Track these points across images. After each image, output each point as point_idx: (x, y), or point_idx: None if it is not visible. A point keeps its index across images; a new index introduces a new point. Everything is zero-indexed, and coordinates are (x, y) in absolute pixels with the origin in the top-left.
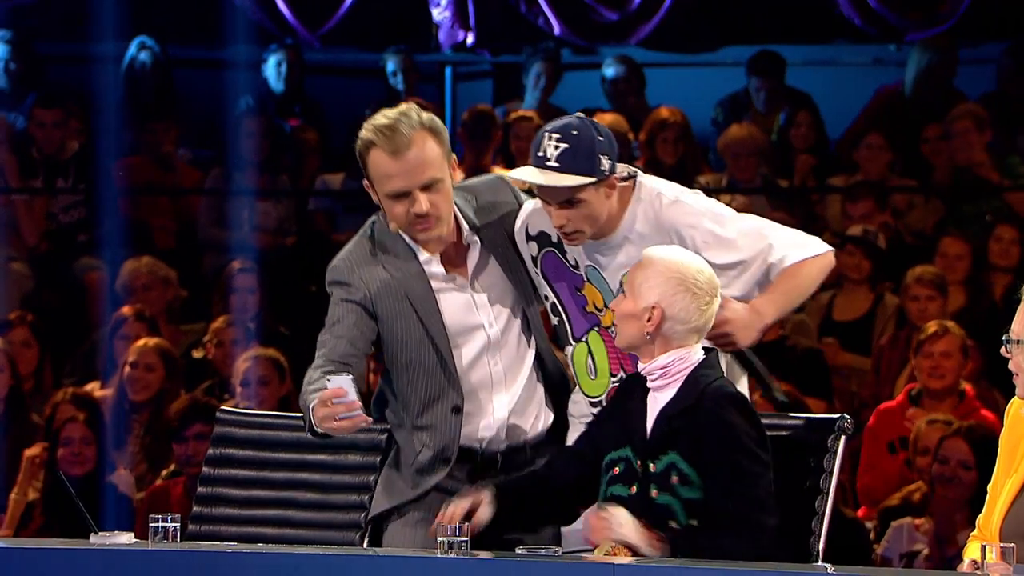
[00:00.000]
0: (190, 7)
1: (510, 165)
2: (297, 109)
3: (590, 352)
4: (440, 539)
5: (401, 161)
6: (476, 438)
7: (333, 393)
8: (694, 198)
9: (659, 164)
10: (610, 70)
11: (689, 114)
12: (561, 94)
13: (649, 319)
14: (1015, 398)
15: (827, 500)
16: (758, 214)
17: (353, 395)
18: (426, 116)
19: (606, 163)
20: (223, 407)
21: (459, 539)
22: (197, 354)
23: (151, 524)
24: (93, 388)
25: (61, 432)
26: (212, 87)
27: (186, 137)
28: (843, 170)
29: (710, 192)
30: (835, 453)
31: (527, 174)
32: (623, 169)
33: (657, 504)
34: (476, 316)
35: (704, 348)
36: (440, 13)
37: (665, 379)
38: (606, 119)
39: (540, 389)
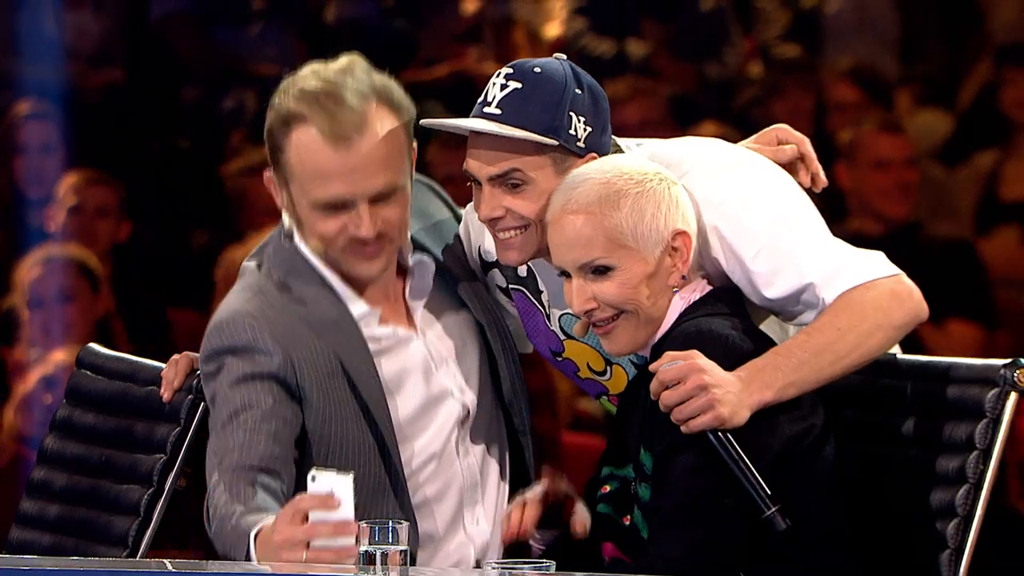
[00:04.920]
0: None
1: None
2: None
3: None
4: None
5: (346, 153)
6: None
7: (316, 502)
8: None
9: None
10: None
11: None
12: None
13: (673, 259)
14: None
15: (980, 493)
16: None
17: (350, 506)
18: (378, 79)
19: (580, 128)
20: (90, 344)
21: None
22: None
23: None
24: None
25: None
26: None
27: None
28: None
29: None
30: (998, 420)
31: (445, 122)
32: (615, 143)
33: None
34: (438, 378)
35: (722, 286)
36: None
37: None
38: None
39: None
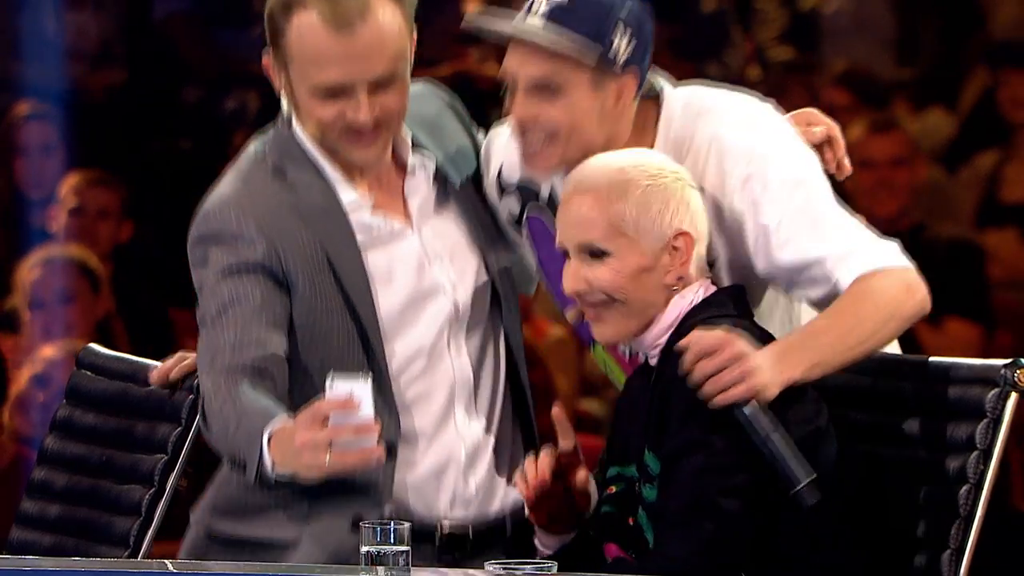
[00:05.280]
0: None
1: None
2: None
3: (606, 364)
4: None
5: (347, 39)
6: (424, 491)
7: (336, 404)
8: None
9: None
10: None
11: None
12: None
13: (672, 260)
14: None
15: (981, 493)
16: None
17: (370, 408)
18: None
19: (623, 42)
20: (90, 344)
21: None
22: None
23: None
24: None
25: None
26: None
27: None
28: None
29: None
30: (998, 421)
31: (487, 25)
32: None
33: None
34: (431, 273)
35: (728, 286)
36: None
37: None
38: None
39: (510, 407)
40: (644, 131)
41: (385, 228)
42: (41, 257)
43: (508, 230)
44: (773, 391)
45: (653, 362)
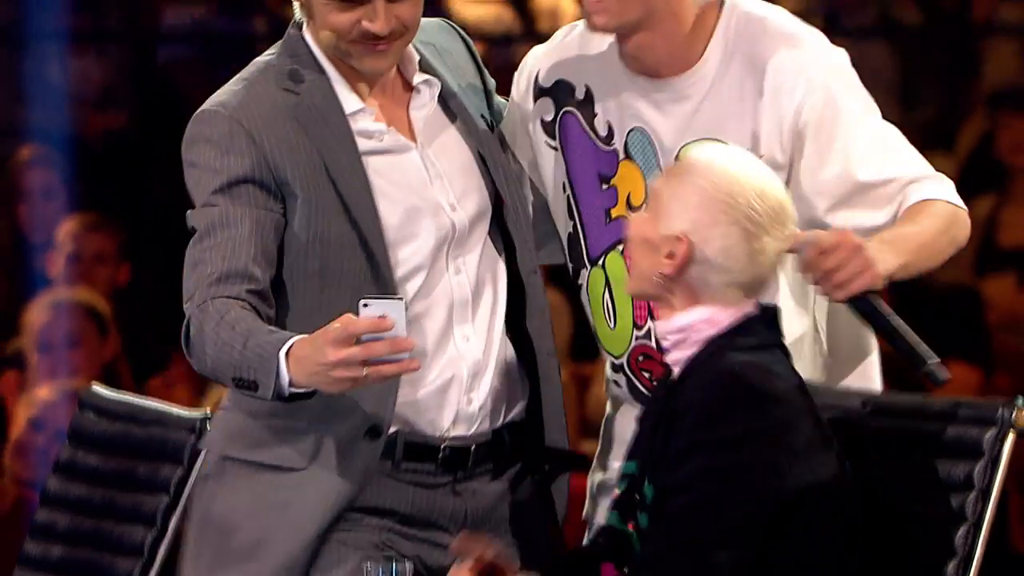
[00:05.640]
0: None
1: None
2: None
3: (607, 284)
4: None
5: None
6: (427, 408)
7: (371, 325)
8: (821, 44)
9: None
10: None
11: None
12: None
13: (670, 255)
14: None
15: (980, 533)
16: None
17: (403, 329)
18: None
19: None
20: (94, 384)
21: None
22: None
23: None
24: None
25: None
26: None
27: None
28: None
29: None
30: (996, 460)
31: None
32: None
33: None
34: (431, 191)
35: (763, 305)
36: None
37: (682, 351)
38: None
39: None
40: (706, 22)
41: (388, 140)
42: (48, 300)
43: (538, 139)
44: (884, 281)
45: (667, 356)
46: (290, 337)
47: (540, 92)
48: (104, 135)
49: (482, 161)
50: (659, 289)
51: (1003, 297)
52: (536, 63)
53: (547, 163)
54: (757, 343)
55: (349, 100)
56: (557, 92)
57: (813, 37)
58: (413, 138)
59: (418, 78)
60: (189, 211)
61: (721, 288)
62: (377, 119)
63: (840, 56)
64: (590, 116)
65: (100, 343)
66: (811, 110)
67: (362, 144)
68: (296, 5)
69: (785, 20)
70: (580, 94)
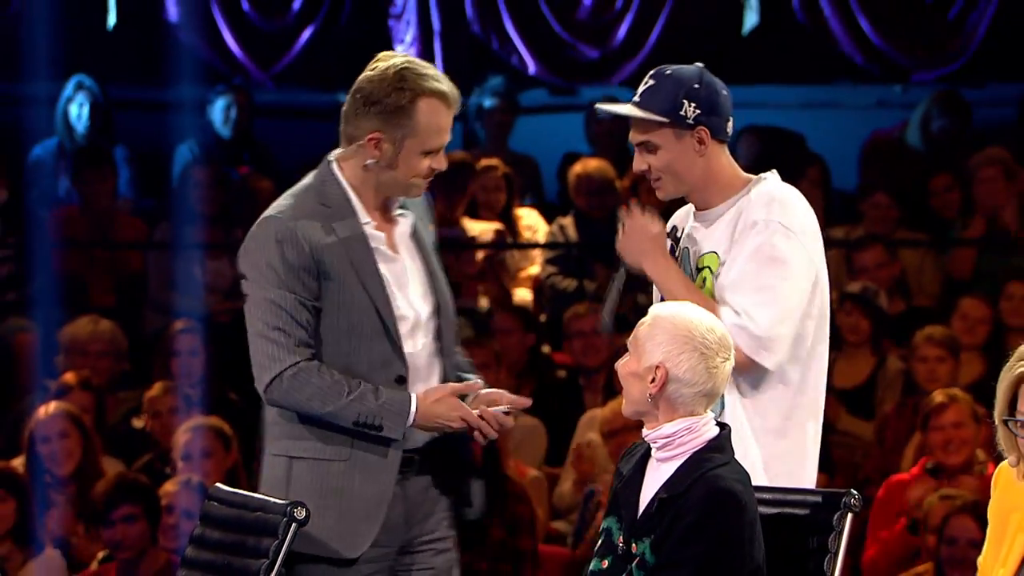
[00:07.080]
0: (132, 43)
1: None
2: (246, 156)
3: None
4: None
5: (451, 116)
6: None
7: (497, 397)
8: (792, 229)
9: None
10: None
11: None
12: (538, 138)
13: (653, 380)
14: (1003, 463)
15: None
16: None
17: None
18: None
19: (690, 110)
20: (218, 484)
21: None
22: (138, 423)
23: None
24: (19, 463)
25: None
26: (155, 130)
27: (127, 185)
28: (846, 220)
29: None
30: (841, 532)
31: (607, 105)
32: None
33: None
34: (410, 288)
35: (717, 423)
36: (403, 50)
37: (669, 451)
38: (590, 164)
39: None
40: (739, 180)
41: (386, 250)
42: (189, 425)
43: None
44: (638, 257)
45: (655, 452)
46: (412, 395)
47: (670, 234)
48: (232, 313)
49: (429, 273)
50: (647, 407)
51: (835, 422)
52: (672, 220)
53: None
54: (728, 459)
55: (362, 215)
56: (674, 232)
57: (799, 202)
58: (395, 250)
59: (397, 211)
60: (244, 281)
61: (691, 399)
62: (378, 229)
63: (798, 225)
64: (675, 240)
65: (225, 456)
66: (756, 235)
67: (373, 244)
68: (373, 155)
69: (788, 193)
70: (680, 232)
